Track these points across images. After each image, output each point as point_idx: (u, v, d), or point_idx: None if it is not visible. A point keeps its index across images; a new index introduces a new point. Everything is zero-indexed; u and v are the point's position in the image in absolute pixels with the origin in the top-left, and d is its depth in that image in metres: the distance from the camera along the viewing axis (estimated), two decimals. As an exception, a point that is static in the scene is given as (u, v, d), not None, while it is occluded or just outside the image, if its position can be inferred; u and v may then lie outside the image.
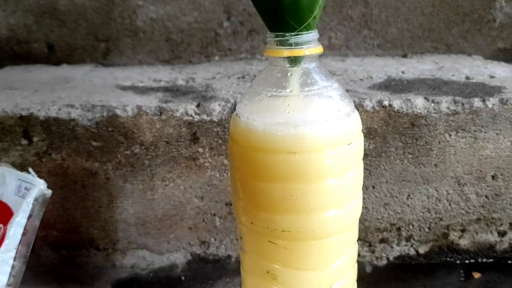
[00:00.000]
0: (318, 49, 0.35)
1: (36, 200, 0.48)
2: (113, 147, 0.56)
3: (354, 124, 0.36)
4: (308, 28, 0.34)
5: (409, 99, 0.54)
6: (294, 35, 0.34)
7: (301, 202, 0.34)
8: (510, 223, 0.58)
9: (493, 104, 0.53)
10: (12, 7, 0.78)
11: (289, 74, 0.35)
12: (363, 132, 0.38)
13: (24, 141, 0.56)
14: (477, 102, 0.54)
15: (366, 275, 0.57)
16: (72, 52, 0.79)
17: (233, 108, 0.54)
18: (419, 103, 0.54)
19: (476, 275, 0.56)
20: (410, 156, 0.55)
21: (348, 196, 0.37)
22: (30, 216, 0.48)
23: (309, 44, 0.34)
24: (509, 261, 0.59)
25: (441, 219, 0.58)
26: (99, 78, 0.70)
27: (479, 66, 0.70)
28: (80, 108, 0.55)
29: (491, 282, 0.55)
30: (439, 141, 0.55)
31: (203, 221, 0.59)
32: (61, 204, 0.58)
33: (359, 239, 0.40)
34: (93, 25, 0.78)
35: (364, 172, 0.42)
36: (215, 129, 0.55)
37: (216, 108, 0.54)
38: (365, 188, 0.56)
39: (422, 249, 0.59)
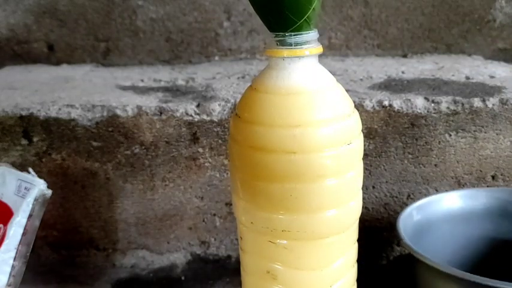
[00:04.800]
0: (317, 49, 0.35)
1: (36, 200, 0.48)
2: (113, 147, 0.56)
3: (354, 124, 0.36)
4: (308, 21, 0.33)
5: (409, 99, 0.54)
6: (294, 35, 0.34)
7: (301, 202, 0.34)
8: (510, 223, 0.58)
9: (493, 104, 0.53)
10: (12, 7, 0.78)
11: (289, 73, 0.35)
12: (363, 132, 0.38)
13: (24, 141, 0.56)
14: (477, 102, 0.54)
15: (365, 274, 0.57)
16: (72, 52, 0.80)
17: (233, 108, 0.54)
18: (419, 103, 0.54)
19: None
20: (410, 156, 0.55)
21: (347, 196, 0.37)
22: (30, 216, 0.48)
23: (308, 43, 0.34)
24: (509, 261, 0.59)
25: (441, 219, 0.58)
26: (99, 78, 0.70)
27: (479, 66, 0.70)
28: (80, 108, 0.55)
29: (491, 282, 0.55)
30: (439, 141, 0.55)
31: (203, 221, 0.59)
32: (61, 204, 0.58)
33: (359, 239, 0.40)
34: (93, 25, 0.78)
35: (364, 172, 0.42)
36: (215, 129, 0.55)
37: (216, 108, 0.54)
38: (365, 188, 0.56)
39: (422, 249, 0.59)
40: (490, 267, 0.50)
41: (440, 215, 0.51)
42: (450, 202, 0.52)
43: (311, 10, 0.33)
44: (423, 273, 0.42)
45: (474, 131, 0.54)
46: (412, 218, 0.49)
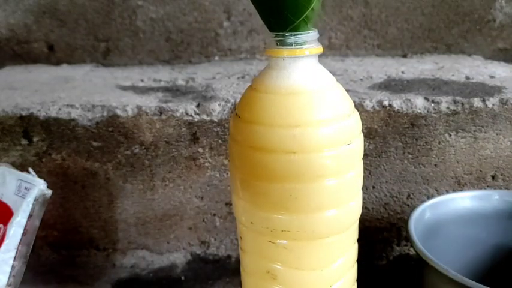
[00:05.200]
0: (317, 49, 0.35)
1: (36, 200, 0.48)
2: (113, 147, 0.56)
3: (354, 124, 0.36)
4: (306, 21, 0.33)
5: (409, 99, 0.54)
6: (294, 35, 0.34)
7: (301, 202, 0.34)
8: (510, 223, 0.58)
9: (493, 104, 0.53)
10: (12, 7, 0.78)
11: (289, 73, 0.35)
12: (363, 132, 0.38)
13: (24, 141, 0.56)
14: (477, 102, 0.54)
15: (365, 274, 0.57)
16: (72, 52, 0.80)
17: (233, 108, 0.54)
18: (419, 103, 0.54)
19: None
20: (410, 156, 0.55)
21: (347, 196, 0.37)
22: (30, 216, 0.48)
23: (308, 43, 0.34)
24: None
25: (441, 219, 0.58)
26: (99, 78, 0.70)
27: (479, 66, 0.70)
28: (80, 108, 0.55)
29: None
30: (439, 141, 0.55)
31: (203, 221, 0.59)
32: (61, 204, 0.58)
33: (359, 239, 0.40)
34: (93, 25, 0.78)
35: (364, 172, 0.42)
36: (215, 129, 0.55)
37: (216, 108, 0.54)
38: (365, 188, 0.56)
39: (422, 249, 0.59)
40: (497, 271, 0.50)
41: (450, 216, 0.50)
42: (461, 203, 0.51)
43: (309, 10, 0.33)
44: (432, 277, 0.42)
45: (474, 131, 0.54)
46: (424, 217, 0.48)
